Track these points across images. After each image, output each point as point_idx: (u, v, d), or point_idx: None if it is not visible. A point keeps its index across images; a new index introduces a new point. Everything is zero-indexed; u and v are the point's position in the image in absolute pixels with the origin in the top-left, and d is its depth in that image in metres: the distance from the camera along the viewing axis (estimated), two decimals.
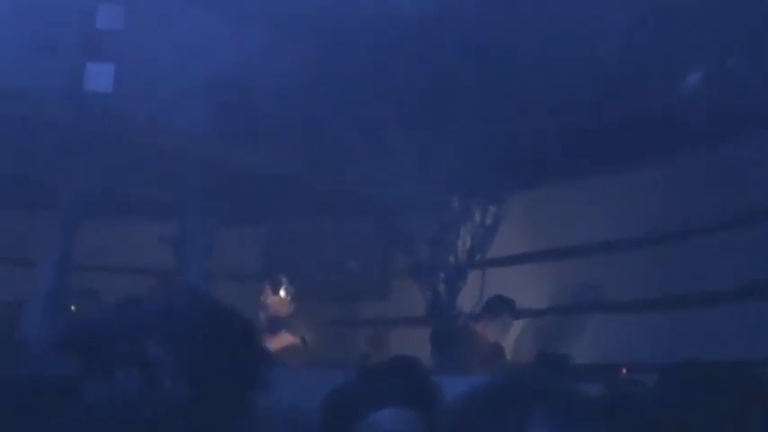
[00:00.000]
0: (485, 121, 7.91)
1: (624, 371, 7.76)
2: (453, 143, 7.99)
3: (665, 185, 8.57)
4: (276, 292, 8.81)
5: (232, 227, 10.80)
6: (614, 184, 8.95)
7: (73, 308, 9.32)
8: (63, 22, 8.35)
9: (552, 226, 9.33)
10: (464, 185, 8.03)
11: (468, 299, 8.27)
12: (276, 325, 8.60)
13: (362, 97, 8.21)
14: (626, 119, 8.03)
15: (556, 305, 9.37)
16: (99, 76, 8.25)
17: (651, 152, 8.40)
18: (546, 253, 9.31)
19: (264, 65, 9.03)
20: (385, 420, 3.01)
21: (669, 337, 8.21)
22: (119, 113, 8.38)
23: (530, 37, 7.70)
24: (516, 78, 7.87)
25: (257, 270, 10.78)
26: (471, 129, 7.93)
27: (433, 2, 7.88)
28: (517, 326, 9.32)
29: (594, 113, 8.14)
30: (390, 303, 10.75)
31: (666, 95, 7.87)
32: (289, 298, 8.76)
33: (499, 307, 8.59)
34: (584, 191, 9.15)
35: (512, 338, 9.29)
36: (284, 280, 8.80)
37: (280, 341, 8.40)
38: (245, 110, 9.18)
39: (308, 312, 8.89)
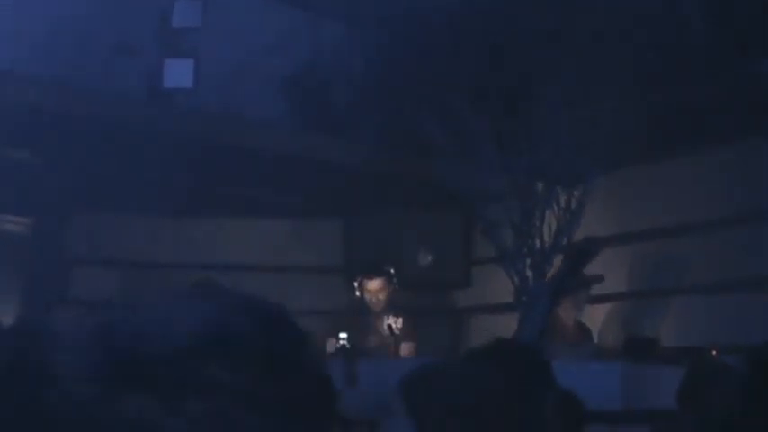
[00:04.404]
0: (566, 105, 7.86)
1: (714, 353, 7.66)
2: (535, 128, 7.95)
3: (749, 164, 8.46)
4: (387, 281, 8.73)
5: (311, 220, 10.85)
6: (698, 164, 8.85)
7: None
8: (141, 20, 8.42)
9: (637, 208, 9.25)
10: (547, 170, 7.98)
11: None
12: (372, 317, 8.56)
13: (440, 85, 8.19)
14: (708, 98, 7.94)
15: (643, 287, 9.29)
16: (178, 73, 8.31)
17: (736, 131, 8.30)
18: (632, 235, 9.23)
19: (342, 58, 9.05)
20: None
21: (759, 319, 8.11)
22: (199, 109, 8.45)
23: (610, 19, 7.65)
24: (597, 61, 7.82)
25: (336, 263, 10.81)
26: (553, 113, 7.89)
27: None
28: (604, 309, 9.26)
29: (675, 94, 8.07)
30: (475, 291, 10.73)
31: (748, 74, 7.78)
32: (392, 288, 8.70)
33: None
34: (669, 171, 9.06)
35: (599, 321, 9.23)
36: (392, 271, 8.74)
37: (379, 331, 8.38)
38: (324, 104, 9.21)
39: (394, 302, 8.85)
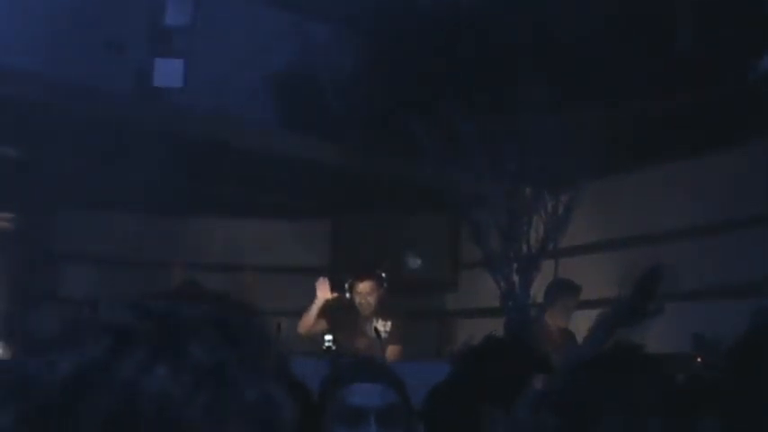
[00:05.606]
0: (555, 110, 7.87)
1: (699, 359, 7.66)
2: (524, 132, 7.96)
3: (737, 171, 8.48)
4: (378, 284, 8.65)
5: (299, 220, 10.84)
6: (685, 170, 8.86)
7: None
8: (131, 19, 8.41)
9: (625, 214, 9.25)
10: (535, 174, 7.99)
11: (541, 288, 8.22)
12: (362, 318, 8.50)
13: (429, 88, 8.19)
14: (696, 104, 7.95)
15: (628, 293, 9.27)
16: (168, 72, 8.30)
17: (722, 138, 8.31)
18: (619, 241, 9.24)
19: (331, 59, 9.05)
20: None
21: (744, 325, 8.09)
22: (188, 108, 8.45)
23: (599, 26, 7.67)
24: (586, 65, 7.82)
25: (324, 263, 10.80)
26: (541, 118, 7.89)
27: None
28: (591, 315, 9.24)
29: (665, 100, 8.08)
30: (462, 294, 10.72)
31: (737, 81, 7.79)
32: (382, 291, 8.64)
33: (558, 290, 8.46)
34: (657, 178, 9.07)
35: (585, 327, 9.21)
36: (384, 275, 8.68)
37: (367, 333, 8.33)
38: (312, 104, 9.20)
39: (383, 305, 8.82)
